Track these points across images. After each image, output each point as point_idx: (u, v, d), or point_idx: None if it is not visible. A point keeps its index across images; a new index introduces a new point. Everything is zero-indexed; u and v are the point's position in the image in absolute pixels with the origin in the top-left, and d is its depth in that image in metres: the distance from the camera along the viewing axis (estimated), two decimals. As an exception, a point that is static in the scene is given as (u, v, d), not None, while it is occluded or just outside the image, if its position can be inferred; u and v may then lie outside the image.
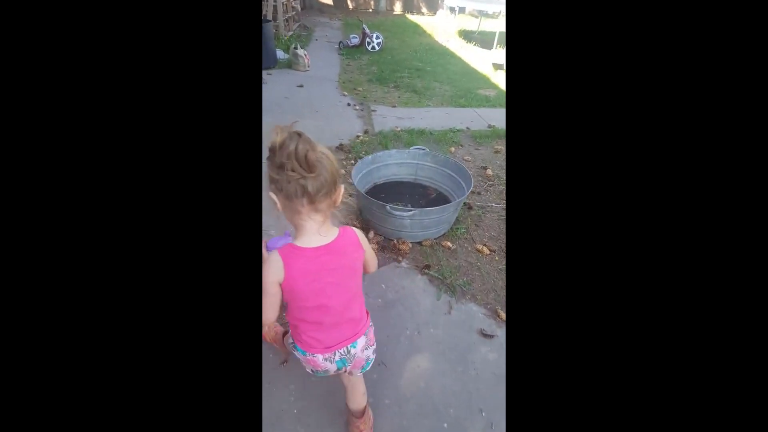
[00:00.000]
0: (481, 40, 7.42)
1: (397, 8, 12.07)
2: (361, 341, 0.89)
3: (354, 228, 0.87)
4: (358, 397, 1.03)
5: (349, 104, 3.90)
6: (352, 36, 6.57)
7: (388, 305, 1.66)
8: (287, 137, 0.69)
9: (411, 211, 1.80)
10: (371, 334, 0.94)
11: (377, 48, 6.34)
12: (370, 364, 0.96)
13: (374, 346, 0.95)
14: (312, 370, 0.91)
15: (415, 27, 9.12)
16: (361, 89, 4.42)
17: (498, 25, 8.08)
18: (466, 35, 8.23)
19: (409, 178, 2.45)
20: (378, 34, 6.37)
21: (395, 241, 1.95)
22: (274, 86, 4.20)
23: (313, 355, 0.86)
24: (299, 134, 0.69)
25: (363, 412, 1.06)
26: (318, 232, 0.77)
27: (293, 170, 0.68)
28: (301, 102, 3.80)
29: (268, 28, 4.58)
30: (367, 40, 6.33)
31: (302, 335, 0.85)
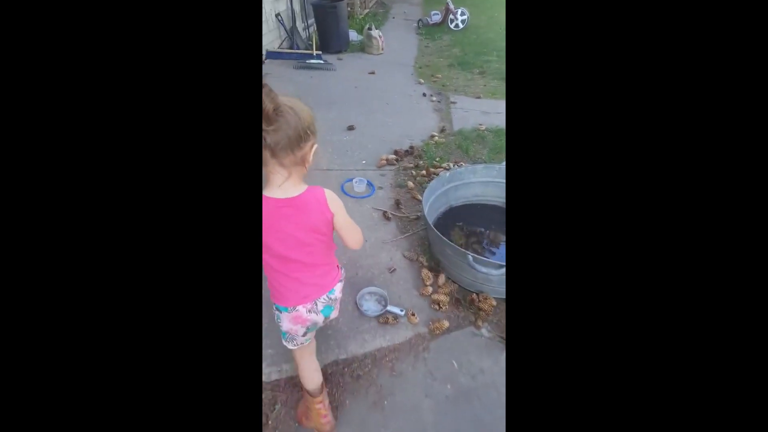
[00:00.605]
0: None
1: (485, -20, 10.81)
2: (338, 286, 0.92)
3: (326, 190, 0.82)
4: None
5: (424, 94, 3.35)
6: (433, 12, 5.87)
7: (459, 397, 1.18)
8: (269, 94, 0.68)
9: (502, 267, 1.27)
10: (341, 289, 0.95)
11: (461, 26, 5.58)
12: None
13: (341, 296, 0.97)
14: (305, 330, 0.91)
15: (503, 0, 8.01)
16: (440, 76, 3.81)
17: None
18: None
19: (496, 202, 1.89)
20: (463, 10, 5.59)
21: (474, 296, 1.45)
22: (343, 72, 3.80)
23: (294, 308, 0.86)
24: (264, 84, 0.66)
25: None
26: (279, 185, 0.76)
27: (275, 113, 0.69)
28: (371, 92, 3.35)
29: (342, 8, 4.16)
30: (450, 17, 5.59)
31: (275, 287, 0.86)
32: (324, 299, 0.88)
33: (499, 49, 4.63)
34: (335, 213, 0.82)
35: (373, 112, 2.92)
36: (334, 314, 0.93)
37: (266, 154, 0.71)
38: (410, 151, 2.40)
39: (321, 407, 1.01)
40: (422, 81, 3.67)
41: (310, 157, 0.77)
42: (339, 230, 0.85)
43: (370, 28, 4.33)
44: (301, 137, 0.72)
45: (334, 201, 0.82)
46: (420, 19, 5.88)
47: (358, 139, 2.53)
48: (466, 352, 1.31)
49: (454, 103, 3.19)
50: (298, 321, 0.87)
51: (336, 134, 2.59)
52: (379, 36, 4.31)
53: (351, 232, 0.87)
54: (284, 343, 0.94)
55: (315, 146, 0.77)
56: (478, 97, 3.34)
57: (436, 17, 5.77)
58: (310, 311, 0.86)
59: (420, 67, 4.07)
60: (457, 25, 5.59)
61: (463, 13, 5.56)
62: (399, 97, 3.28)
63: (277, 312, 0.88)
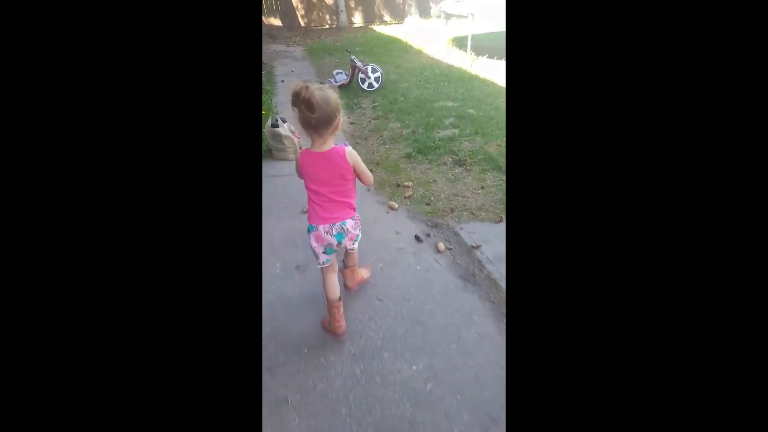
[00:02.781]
0: (491, 48, 5.60)
1: (357, 20, 10.06)
2: (350, 222, 1.24)
3: (346, 148, 1.16)
4: (354, 258, 1.49)
5: (419, 238, 1.92)
6: (336, 72, 4.52)
7: None
8: (299, 88, 1.05)
9: None
10: (358, 222, 1.29)
11: (375, 85, 4.35)
12: (359, 239, 1.33)
13: (359, 227, 1.31)
14: (325, 250, 1.27)
15: (395, 42, 7.16)
16: (410, 184, 2.43)
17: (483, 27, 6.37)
18: (460, 43, 6.42)
19: None
20: (375, 66, 4.37)
21: None
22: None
23: (316, 227, 1.22)
24: (307, 86, 1.05)
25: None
26: (318, 145, 1.14)
27: (301, 110, 1.07)
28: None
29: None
30: (361, 76, 4.32)
31: (310, 212, 1.23)
32: (338, 226, 1.22)
33: (446, 112, 3.49)
34: (353, 163, 1.18)
35: (372, 343, 1.35)
36: (345, 242, 1.26)
37: (308, 129, 1.10)
38: None
39: (336, 312, 1.34)
40: (393, 203, 2.24)
41: (339, 126, 1.15)
42: (358, 175, 1.22)
43: (275, 123, 2.73)
44: (331, 118, 1.09)
45: (351, 155, 1.17)
46: (322, 82, 4.46)
47: None
48: None
49: (476, 247, 1.84)
50: (318, 239, 1.24)
51: None
52: (292, 132, 2.73)
53: (365, 175, 1.24)
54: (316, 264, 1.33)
55: (340, 120, 1.13)
56: (500, 220, 2.06)
57: (341, 77, 4.45)
58: (326, 233, 1.22)
59: (370, 170, 2.64)
60: (370, 85, 4.34)
61: (375, 70, 4.33)
62: (381, 254, 1.78)
63: (308, 233, 1.26)
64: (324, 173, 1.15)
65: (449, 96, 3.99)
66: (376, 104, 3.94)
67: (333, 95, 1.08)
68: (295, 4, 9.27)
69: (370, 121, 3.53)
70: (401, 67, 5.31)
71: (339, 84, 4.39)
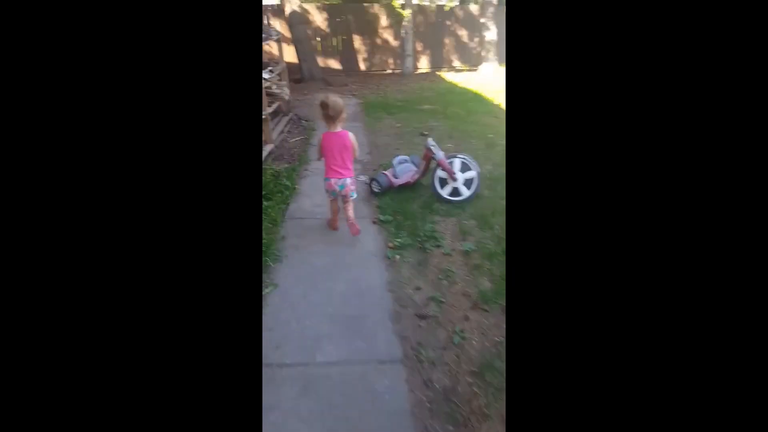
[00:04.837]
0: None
1: (422, 64, 8.51)
2: (348, 180, 2.05)
3: (348, 131, 2.04)
4: (350, 210, 2.16)
5: None
6: (399, 161, 2.71)
7: None
8: (326, 98, 1.96)
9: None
10: (354, 181, 2.12)
11: (467, 194, 2.46)
12: (354, 195, 2.11)
13: (355, 187, 2.14)
14: (331, 193, 2.10)
15: (476, 99, 5.34)
16: None
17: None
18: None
19: None
20: (466, 159, 2.47)
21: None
22: None
23: (328, 179, 2.05)
24: (328, 96, 1.98)
25: (353, 221, 2.17)
26: (333, 129, 2.02)
27: (328, 110, 1.95)
28: None
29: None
30: (439, 174, 2.47)
31: (327, 170, 2.07)
32: (342, 180, 2.03)
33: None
34: (353, 143, 2.04)
35: None
36: (344, 191, 2.06)
37: (329, 120, 1.98)
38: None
39: (335, 212, 2.25)
40: None
41: (344, 117, 2.03)
42: (353, 148, 2.06)
43: None
44: (340, 112, 1.98)
45: (353, 138, 2.04)
46: (373, 179, 2.65)
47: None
48: None
49: None
50: (329, 187, 2.07)
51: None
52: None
53: (356, 149, 2.09)
54: (326, 196, 2.19)
55: (344, 113, 2.02)
56: None
57: (407, 168, 2.64)
58: (335, 183, 2.04)
59: None
60: (456, 192, 2.46)
61: (466, 167, 2.45)
62: None
63: (324, 181, 2.09)
64: (336, 145, 1.99)
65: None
66: (470, 247, 2.02)
67: (339, 99, 2.00)
68: (357, 47, 7.95)
69: (463, 303, 1.60)
70: (496, 145, 3.39)
71: (402, 182, 2.58)
